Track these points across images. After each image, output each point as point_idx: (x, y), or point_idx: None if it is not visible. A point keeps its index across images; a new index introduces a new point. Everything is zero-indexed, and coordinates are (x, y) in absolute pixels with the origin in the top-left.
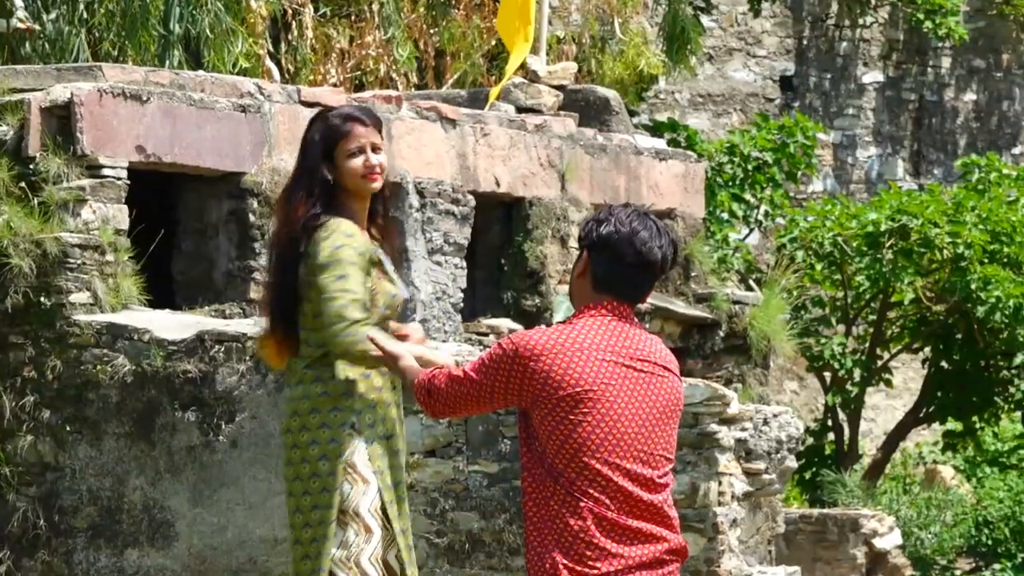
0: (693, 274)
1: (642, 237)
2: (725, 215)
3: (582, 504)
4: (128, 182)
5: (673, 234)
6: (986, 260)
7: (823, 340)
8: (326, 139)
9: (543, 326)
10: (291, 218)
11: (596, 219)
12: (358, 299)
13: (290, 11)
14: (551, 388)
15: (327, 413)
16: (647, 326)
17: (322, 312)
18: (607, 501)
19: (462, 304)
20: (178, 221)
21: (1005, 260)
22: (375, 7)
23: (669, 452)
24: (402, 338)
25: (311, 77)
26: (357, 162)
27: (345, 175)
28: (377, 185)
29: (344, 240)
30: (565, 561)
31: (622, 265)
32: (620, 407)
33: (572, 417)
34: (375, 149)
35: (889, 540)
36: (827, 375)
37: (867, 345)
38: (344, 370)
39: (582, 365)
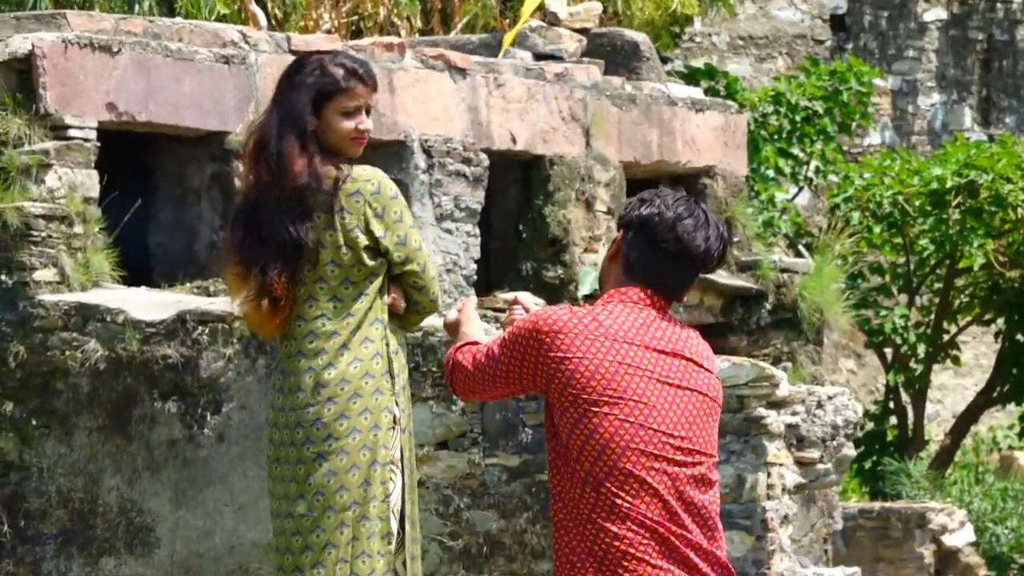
0: (736, 239)
1: (686, 224)
2: (771, 172)
3: (616, 508)
4: (98, 144)
5: (723, 229)
6: None
7: (883, 312)
8: (319, 88)
9: (567, 303)
10: (289, 171)
11: (640, 199)
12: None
13: None
14: (569, 374)
15: (369, 396)
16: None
17: (417, 270)
18: (642, 506)
19: (476, 277)
20: (155, 187)
21: None
22: None
23: (711, 449)
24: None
25: (301, 23)
26: (349, 124)
27: (332, 132)
28: (360, 150)
29: (395, 188)
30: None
31: (659, 252)
32: (650, 401)
33: (595, 410)
34: (368, 111)
35: (960, 537)
36: (888, 351)
37: (932, 317)
38: (388, 339)
39: (606, 351)
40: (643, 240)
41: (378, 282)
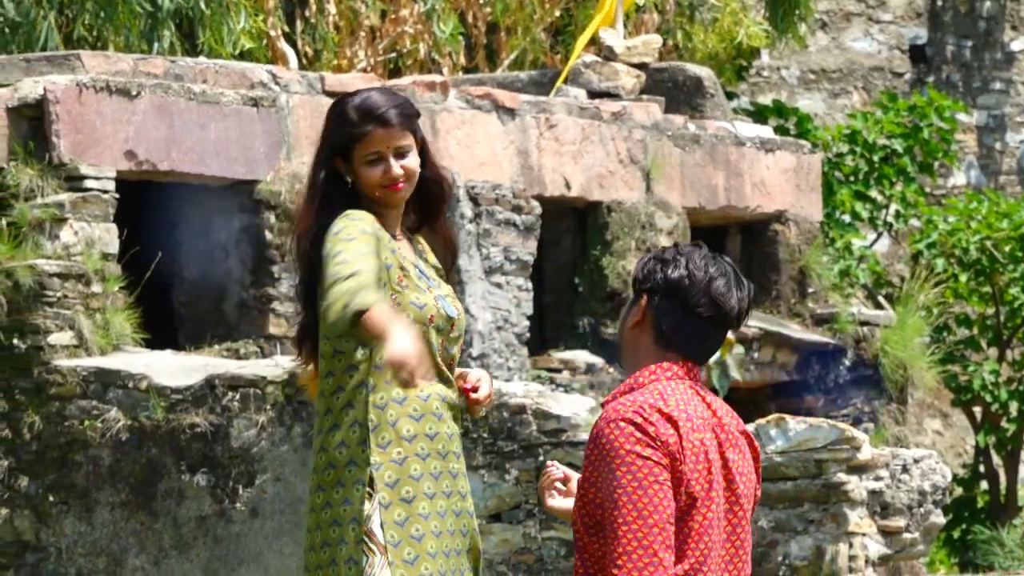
0: (811, 290)
1: (718, 286)
2: (847, 217)
3: None
4: (116, 195)
5: (748, 282)
6: None
7: (971, 367)
8: (340, 137)
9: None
10: (303, 228)
11: (660, 259)
12: (358, 266)
13: None
14: (679, 475)
15: (343, 469)
16: (756, 355)
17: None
18: None
19: (528, 334)
20: (179, 242)
21: None
22: None
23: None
24: (464, 391)
25: (335, 61)
26: (374, 171)
27: (362, 182)
28: (401, 195)
29: (345, 222)
30: None
31: (693, 317)
32: (715, 496)
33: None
34: (400, 153)
35: None
36: (977, 410)
37: None
38: (371, 406)
39: (692, 442)
40: (674, 306)
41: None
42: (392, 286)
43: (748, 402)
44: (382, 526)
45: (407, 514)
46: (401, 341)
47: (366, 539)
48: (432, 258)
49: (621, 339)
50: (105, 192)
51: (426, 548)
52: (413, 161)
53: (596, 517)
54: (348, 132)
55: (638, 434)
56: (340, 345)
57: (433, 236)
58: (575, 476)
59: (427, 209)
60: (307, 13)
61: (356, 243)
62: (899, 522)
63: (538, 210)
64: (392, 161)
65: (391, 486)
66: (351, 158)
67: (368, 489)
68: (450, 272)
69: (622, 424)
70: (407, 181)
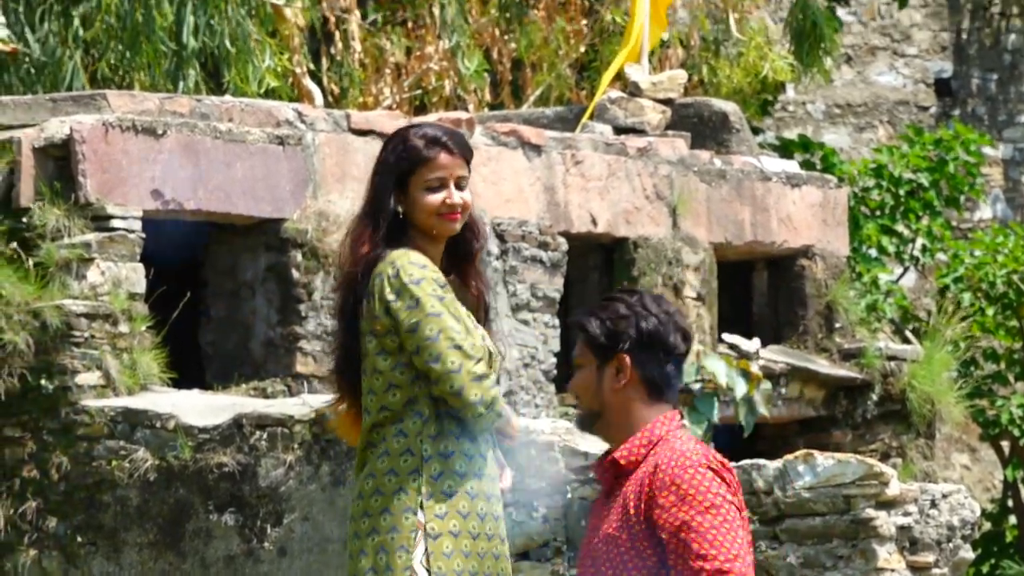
0: (837, 325)
1: (679, 320)
2: (873, 252)
3: None
4: (143, 235)
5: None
6: None
7: (999, 402)
8: (402, 163)
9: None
10: (354, 258)
11: (619, 316)
12: (467, 342)
13: (332, 19)
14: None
15: (391, 496)
16: (783, 390)
17: (426, 362)
18: None
19: (555, 371)
20: (206, 281)
21: None
22: (435, 11)
23: None
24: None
25: (361, 99)
26: (435, 198)
27: (418, 209)
28: (456, 227)
29: (418, 272)
30: None
31: (673, 359)
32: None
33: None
34: (459, 184)
35: None
36: (1005, 444)
37: None
38: (425, 437)
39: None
40: (655, 354)
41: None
42: None
43: (775, 438)
44: (431, 557)
45: (453, 548)
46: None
47: (409, 571)
48: (468, 297)
49: (602, 406)
50: (131, 232)
51: None
52: (469, 196)
53: (649, 558)
54: (413, 157)
55: (718, 480)
56: (395, 379)
57: (460, 282)
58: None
59: (459, 253)
60: (332, 51)
61: (450, 304)
62: (928, 557)
63: (564, 247)
64: (453, 188)
65: (441, 517)
66: (408, 185)
67: (419, 523)
68: (484, 320)
69: (702, 470)
70: (463, 213)
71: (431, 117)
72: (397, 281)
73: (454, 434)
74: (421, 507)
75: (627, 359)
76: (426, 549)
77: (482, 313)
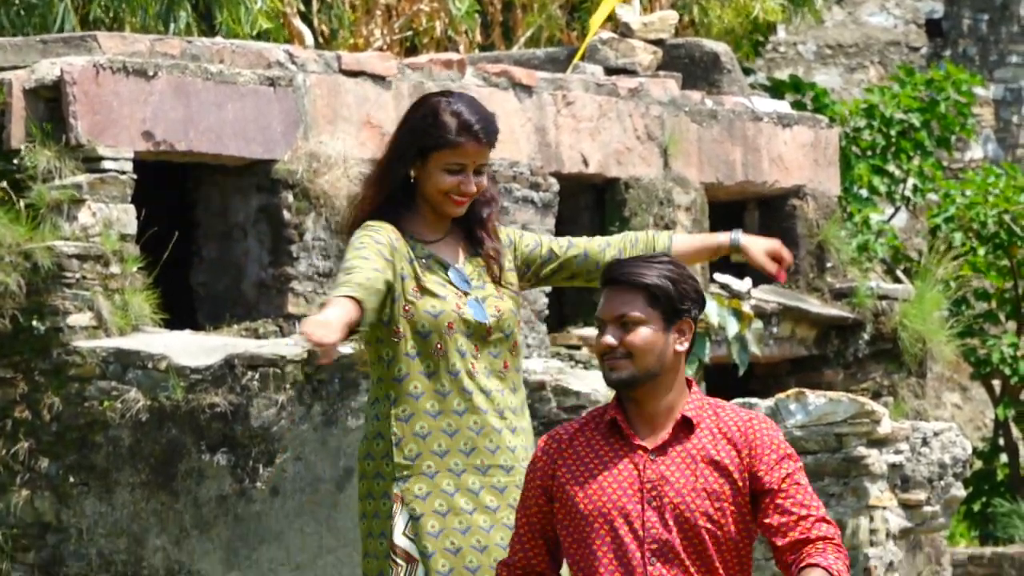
0: (829, 265)
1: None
2: (864, 192)
3: None
4: (134, 176)
5: None
6: None
7: (990, 341)
8: (427, 137)
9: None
10: (356, 213)
11: (685, 278)
12: (351, 263)
13: None
14: None
15: (372, 481)
16: (775, 330)
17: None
18: None
19: (547, 311)
20: (197, 222)
21: None
22: None
23: None
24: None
25: (351, 40)
26: (450, 180)
27: (431, 184)
28: (460, 211)
29: (362, 232)
30: None
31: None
32: None
33: None
34: (479, 170)
35: None
36: (996, 383)
37: None
38: (393, 418)
39: None
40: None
41: (385, 350)
42: (406, 296)
43: (767, 377)
44: (416, 538)
45: (441, 527)
46: (319, 315)
47: (391, 554)
48: (469, 261)
49: (662, 368)
50: (123, 173)
51: (464, 562)
52: (484, 180)
53: (747, 513)
54: (440, 137)
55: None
56: (371, 355)
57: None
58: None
59: (470, 219)
60: None
61: (364, 250)
62: (919, 495)
63: (556, 187)
64: (470, 176)
65: (423, 498)
66: (428, 159)
67: (396, 503)
68: (499, 279)
69: (780, 430)
70: (472, 198)
71: (422, 58)
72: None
73: (429, 413)
74: (399, 490)
75: (691, 323)
76: (408, 530)
77: (496, 271)
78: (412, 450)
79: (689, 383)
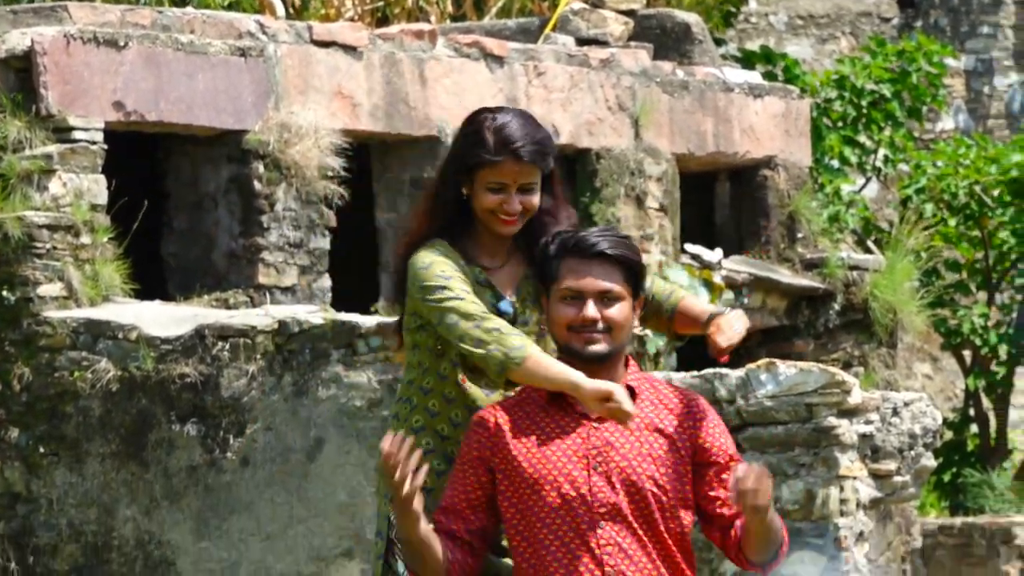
0: (799, 235)
1: None
2: (836, 163)
3: None
4: (105, 147)
5: None
6: None
7: (961, 311)
8: (469, 157)
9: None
10: (410, 236)
11: (639, 252)
12: (469, 301)
13: None
14: None
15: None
16: (745, 300)
17: (443, 332)
18: None
19: None
20: (167, 193)
21: None
22: None
23: None
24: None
25: (322, 11)
26: (492, 199)
27: (477, 203)
28: (511, 230)
29: (432, 257)
30: None
31: None
32: None
33: None
34: (525, 189)
35: None
36: (967, 354)
37: (1014, 316)
38: (417, 407)
39: None
40: None
41: (424, 357)
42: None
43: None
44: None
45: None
46: (593, 383)
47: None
48: (518, 270)
49: (623, 331)
50: (93, 143)
51: None
52: (536, 198)
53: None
54: (479, 155)
55: None
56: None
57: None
58: None
59: (528, 243)
60: None
61: (456, 281)
62: (890, 465)
63: None
64: (513, 195)
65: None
66: (474, 176)
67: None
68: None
69: None
70: (523, 217)
71: (393, 29)
72: (413, 272)
73: (439, 435)
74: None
75: (643, 299)
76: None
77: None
78: (419, 421)
79: (627, 359)
